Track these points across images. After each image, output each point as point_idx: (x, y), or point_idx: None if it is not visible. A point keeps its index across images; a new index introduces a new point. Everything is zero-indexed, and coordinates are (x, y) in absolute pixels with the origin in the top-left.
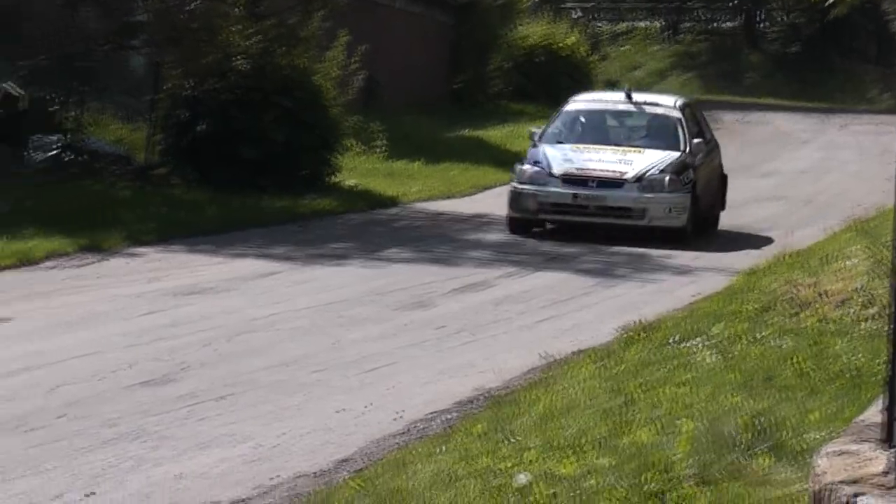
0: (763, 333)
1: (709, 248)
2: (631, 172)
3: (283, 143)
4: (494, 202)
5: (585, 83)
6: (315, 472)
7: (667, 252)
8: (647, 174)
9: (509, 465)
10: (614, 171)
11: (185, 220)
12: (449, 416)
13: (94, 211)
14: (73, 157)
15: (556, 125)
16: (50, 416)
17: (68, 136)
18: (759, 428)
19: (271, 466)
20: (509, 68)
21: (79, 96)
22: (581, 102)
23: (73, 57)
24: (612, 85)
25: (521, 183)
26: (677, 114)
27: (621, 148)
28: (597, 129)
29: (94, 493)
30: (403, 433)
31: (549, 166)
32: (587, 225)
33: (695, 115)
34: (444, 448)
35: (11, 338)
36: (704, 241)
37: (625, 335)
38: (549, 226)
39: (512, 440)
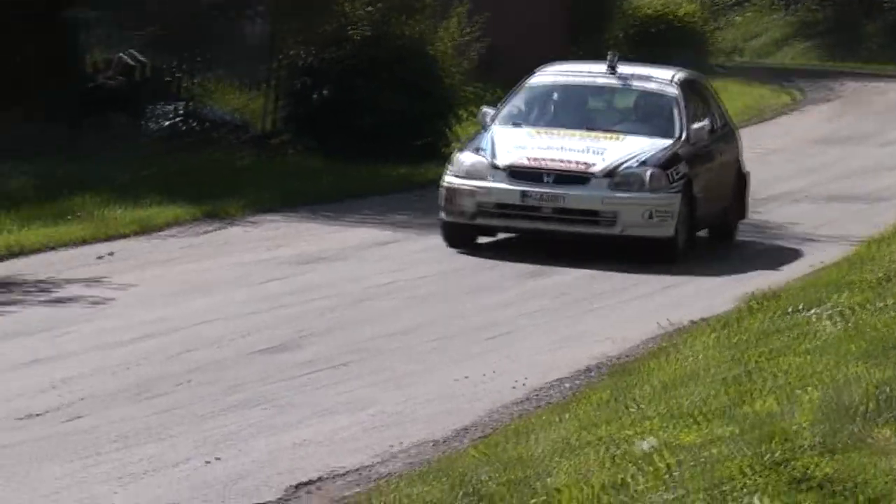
0: (885, 303)
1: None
2: (600, 164)
3: (400, 111)
4: None
5: (703, 52)
6: (436, 440)
7: (787, 221)
8: (622, 167)
9: (630, 433)
10: (578, 163)
11: (303, 189)
12: (569, 385)
13: (213, 179)
14: (190, 125)
15: (515, 103)
16: (172, 383)
17: (188, 104)
18: (882, 397)
19: (392, 434)
20: (626, 37)
21: (196, 65)
22: (550, 75)
23: (190, 25)
24: (729, 54)
25: (456, 176)
26: (674, 91)
27: (594, 133)
28: (567, 109)
29: (217, 459)
30: (524, 401)
31: (493, 155)
32: (541, 233)
33: (703, 94)
34: (564, 416)
35: (134, 305)
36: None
37: (745, 304)
38: (500, 235)
39: (633, 409)
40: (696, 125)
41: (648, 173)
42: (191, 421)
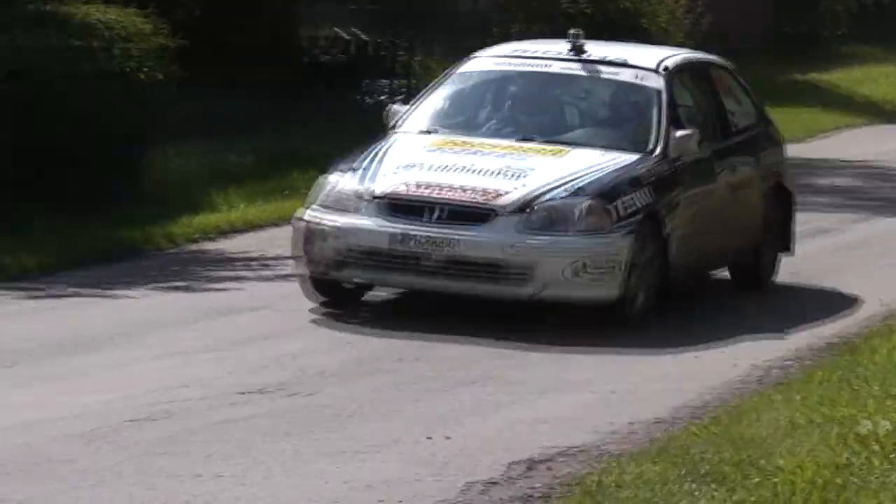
0: None
1: None
2: (514, 194)
3: None
4: (835, 146)
5: None
6: (659, 419)
7: None
8: (543, 198)
9: (856, 413)
10: (480, 191)
11: None
12: (788, 364)
13: None
14: (407, 101)
15: (435, 99)
16: (394, 359)
17: (405, 80)
18: None
19: (616, 412)
20: (845, 11)
21: (411, 40)
22: (491, 58)
23: (408, 1)
24: None
25: (320, 207)
26: (657, 83)
27: (529, 145)
28: (504, 109)
29: (447, 438)
30: (742, 381)
31: (370, 177)
32: (427, 292)
33: (714, 87)
34: (790, 395)
35: None
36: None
37: None
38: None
39: (858, 388)
40: (680, 133)
41: (581, 206)
42: (413, 398)
